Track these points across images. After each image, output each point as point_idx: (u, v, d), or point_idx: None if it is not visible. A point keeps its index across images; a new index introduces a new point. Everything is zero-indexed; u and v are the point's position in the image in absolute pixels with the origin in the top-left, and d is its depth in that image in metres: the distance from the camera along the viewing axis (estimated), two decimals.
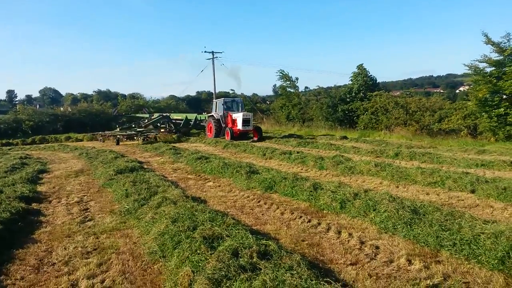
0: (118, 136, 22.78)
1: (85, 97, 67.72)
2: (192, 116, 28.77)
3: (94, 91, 73.19)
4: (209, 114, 25.24)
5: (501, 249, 4.04)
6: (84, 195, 8.10)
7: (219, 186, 8.92)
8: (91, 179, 10.09)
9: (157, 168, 11.89)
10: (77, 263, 4.42)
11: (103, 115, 36.01)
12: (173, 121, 28.33)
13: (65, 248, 4.91)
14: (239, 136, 21.61)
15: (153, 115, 29.81)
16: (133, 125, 27.56)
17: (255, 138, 21.81)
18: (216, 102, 24.42)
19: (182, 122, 27.71)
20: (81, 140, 25.90)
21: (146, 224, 5.61)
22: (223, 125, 22.76)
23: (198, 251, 4.17)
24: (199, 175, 10.43)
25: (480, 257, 4.13)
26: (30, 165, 12.38)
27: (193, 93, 76.01)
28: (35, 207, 7.08)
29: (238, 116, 21.90)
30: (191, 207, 6.02)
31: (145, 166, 12.01)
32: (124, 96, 57.43)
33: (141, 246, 4.92)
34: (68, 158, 14.99)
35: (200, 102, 66.20)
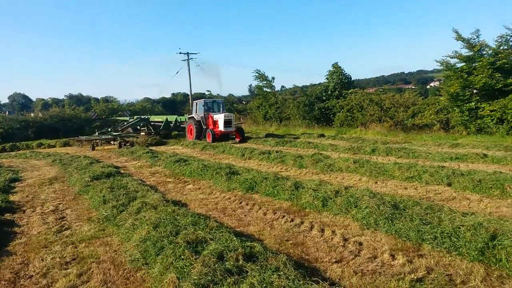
0: (94, 141, 22.07)
1: (56, 102, 65.93)
2: (172, 118, 27.98)
3: (65, 96, 71.23)
4: (189, 116, 24.59)
5: (480, 240, 4.13)
6: (60, 203, 7.85)
7: (199, 188, 8.82)
8: (66, 186, 9.81)
9: (135, 173, 11.67)
10: (56, 275, 4.27)
11: (75, 120, 35.17)
12: (153, 123, 27.50)
13: (42, 260, 4.73)
14: (220, 137, 21.16)
15: (133, 118, 29.01)
16: (109, 129, 26.48)
17: (237, 140, 21.43)
18: (197, 103, 23.79)
19: (162, 124, 26.92)
20: (54, 146, 25.19)
21: (127, 231, 5.47)
22: (204, 127, 22.18)
23: (182, 257, 4.09)
24: (178, 178, 10.29)
25: (461, 249, 4.22)
26: (1, 174, 11.93)
27: (168, 95, 74.99)
28: (8, 218, 6.79)
29: (220, 117, 21.33)
30: (172, 211, 5.93)
31: (122, 171, 11.77)
32: (97, 99, 56.23)
33: (122, 254, 4.79)
34: (41, 165, 14.53)
35: (175, 104, 65.46)
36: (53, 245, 5.27)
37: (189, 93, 41.49)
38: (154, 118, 29.08)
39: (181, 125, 27.00)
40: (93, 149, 20.92)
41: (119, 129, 26.26)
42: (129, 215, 6.18)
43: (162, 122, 27.28)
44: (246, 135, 23.09)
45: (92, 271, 4.32)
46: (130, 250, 4.75)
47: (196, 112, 23.31)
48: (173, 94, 77.47)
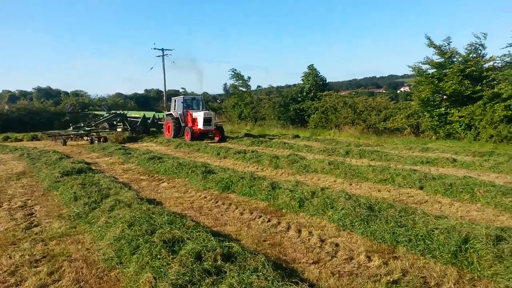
0: (65, 136, 21.21)
1: (24, 94, 63.56)
2: (150, 114, 27.17)
3: (34, 88, 68.67)
4: (167, 113, 23.91)
5: (453, 243, 4.25)
6: (28, 199, 7.55)
7: (174, 186, 8.69)
8: (35, 181, 9.46)
9: (107, 169, 11.39)
10: (25, 273, 4.09)
11: (44, 113, 34.03)
12: (130, 119, 26.48)
13: (10, 257, 4.52)
14: (199, 136, 20.65)
15: (109, 113, 27.79)
16: (82, 124, 25.34)
17: (217, 139, 20.92)
18: (175, 100, 23.09)
19: (140, 120, 25.98)
20: (21, 140, 24.21)
21: (100, 229, 5.32)
22: (183, 125, 21.60)
23: (158, 256, 4.00)
24: (152, 176, 10.11)
25: (434, 252, 4.32)
26: None
27: (141, 91, 73.78)
28: None
29: (199, 115, 20.71)
30: (147, 209, 5.80)
31: (93, 167, 11.45)
32: (67, 93, 54.54)
33: (95, 253, 4.64)
34: (8, 160, 13.95)
35: (148, 100, 64.45)
36: (21, 242, 5.05)
37: (163, 90, 41.00)
38: (132, 114, 28.28)
39: (159, 122, 26.16)
40: (64, 144, 20.04)
41: (93, 124, 25.02)
42: (102, 212, 6.00)
43: (139, 118, 26.44)
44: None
45: (64, 270, 4.17)
46: (103, 249, 4.61)
47: (174, 109, 22.67)
48: (146, 90, 76.26)
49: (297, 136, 22.90)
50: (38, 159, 12.83)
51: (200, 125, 20.43)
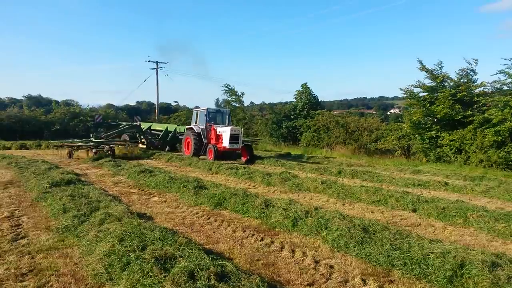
0: (72, 147, 18.94)
1: (13, 102, 63.00)
2: (172, 127, 24.28)
3: (24, 96, 68.11)
4: (187, 126, 20.96)
5: (449, 268, 4.20)
6: (15, 209, 7.37)
7: (165, 201, 8.57)
8: (23, 191, 9.26)
9: (96, 181, 11.22)
10: (11, 287, 3.95)
11: (34, 122, 33.65)
12: (150, 132, 24.40)
13: None
14: (223, 155, 18.06)
15: (139, 124, 24.42)
16: (91, 135, 22.12)
17: (244, 159, 18.16)
18: (197, 113, 20.02)
19: (161, 134, 23.57)
20: (9, 148, 23.92)
21: (89, 243, 5.18)
22: (205, 141, 18.71)
23: (150, 273, 3.89)
24: (143, 190, 9.98)
25: (430, 277, 4.27)
26: None
27: (132, 103, 73.61)
28: None
29: (225, 131, 17.77)
30: (138, 224, 5.67)
31: (83, 179, 11.27)
32: (57, 102, 54.07)
33: (83, 268, 4.51)
34: None
35: (140, 113, 64.14)
36: (7, 254, 4.89)
37: (155, 102, 40.93)
38: (156, 127, 25.47)
39: (180, 136, 22.64)
40: (70, 156, 18.25)
41: (103, 136, 22.07)
42: (91, 226, 5.86)
43: (161, 131, 24.01)
44: None
45: (51, 285, 4.04)
46: (92, 264, 4.47)
47: (196, 123, 19.70)
48: (137, 102, 76.21)
49: (289, 154, 22.91)
50: (26, 168, 12.61)
51: (225, 142, 17.54)
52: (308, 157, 21.54)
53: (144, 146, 22.62)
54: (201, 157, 18.44)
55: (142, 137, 23.39)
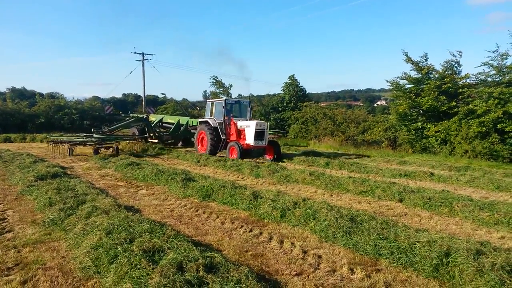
0: (71, 143, 16.69)
1: None
2: (184, 120, 21.60)
3: (7, 89, 66.62)
4: (200, 120, 18.28)
5: (435, 257, 4.27)
6: (0, 203, 7.25)
7: (153, 194, 8.52)
8: (7, 185, 9.10)
9: (83, 174, 11.09)
10: None
11: (18, 115, 33.03)
12: (162, 124, 22.30)
13: None
14: (246, 153, 15.65)
15: (147, 116, 22.05)
16: (93, 130, 19.93)
17: (269, 158, 15.83)
18: (213, 104, 17.42)
19: (172, 127, 21.32)
20: None
21: (76, 236, 5.12)
22: (223, 137, 16.35)
23: (138, 266, 3.87)
24: (130, 182, 9.90)
25: (416, 265, 4.34)
26: None
27: (118, 95, 72.72)
28: None
29: (249, 126, 15.35)
30: (126, 217, 5.62)
31: (69, 172, 11.15)
32: (42, 95, 53.08)
33: (71, 261, 4.46)
34: None
35: (126, 105, 63.51)
36: None
37: (141, 94, 40.51)
38: (168, 119, 22.98)
39: (192, 130, 20.25)
40: (70, 154, 16.00)
41: (105, 130, 19.63)
42: (78, 219, 5.80)
43: (173, 124, 21.71)
44: None
45: (38, 279, 3.98)
46: (80, 257, 4.43)
47: (211, 115, 17.18)
48: (124, 94, 75.33)
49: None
50: (11, 162, 12.41)
51: (249, 139, 15.22)
52: (295, 148, 21.59)
53: (156, 141, 20.54)
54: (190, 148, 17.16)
55: (151, 130, 20.81)
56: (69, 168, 12.29)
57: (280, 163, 14.17)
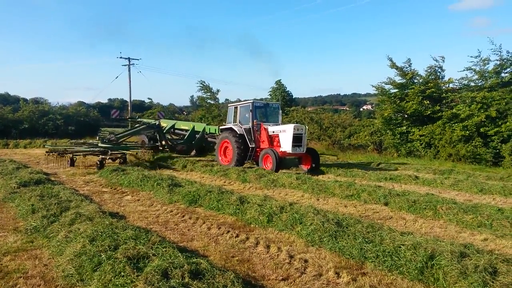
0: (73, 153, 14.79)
1: None
2: (200, 127, 18.89)
3: None
4: (222, 127, 16.01)
5: (420, 260, 4.31)
6: None
7: (139, 200, 8.43)
8: None
9: (67, 181, 10.92)
10: None
11: (1, 121, 32.41)
12: (174, 131, 20.24)
13: None
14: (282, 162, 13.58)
15: (159, 122, 19.84)
16: (98, 137, 18.35)
17: (306, 168, 13.78)
18: (238, 108, 15.09)
19: (186, 135, 18.78)
20: None
21: (59, 243, 5.03)
22: (252, 145, 14.13)
23: (122, 273, 3.81)
24: (115, 188, 9.79)
25: (401, 268, 4.37)
26: None
27: (104, 100, 72.16)
28: None
29: (284, 130, 13.32)
30: (110, 223, 5.54)
31: (53, 178, 10.95)
32: (26, 100, 52.24)
33: (53, 269, 4.37)
34: None
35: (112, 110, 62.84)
36: None
37: (127, 99, 40.19)
38: (181, 125, 20.36)
39: (209, 138, 18.59)
40: (72, 164, 14.21)
41: (112, 138, 16.85)
42: (61, 226, 5.69)
43: (187, 131, 19.07)
44: None
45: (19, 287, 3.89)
46: (63, 265, 4.34)
47: (235, 121, 15.01)
48: (109, 99, 74.74)
49: None
50: None
51: (285, 146, 13.16)
52: None
53: (168, 150, 18.64)
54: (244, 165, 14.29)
55: (163, 138, 18.47)
56: (53, 174, 12.09)
57: (319, 176, 12.63)
